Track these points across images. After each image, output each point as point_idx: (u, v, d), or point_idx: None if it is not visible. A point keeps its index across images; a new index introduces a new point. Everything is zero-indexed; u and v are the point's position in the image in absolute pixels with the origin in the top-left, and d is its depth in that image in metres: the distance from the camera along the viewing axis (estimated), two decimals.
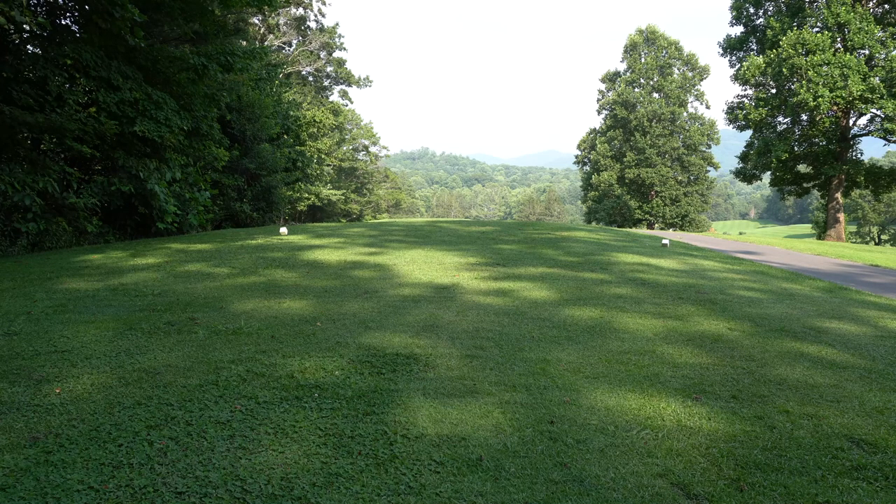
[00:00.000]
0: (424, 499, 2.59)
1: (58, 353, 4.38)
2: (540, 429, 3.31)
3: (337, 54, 46.55)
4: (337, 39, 44.21)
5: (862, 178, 32.60)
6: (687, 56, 56.24)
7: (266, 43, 37.87)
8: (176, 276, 7.60)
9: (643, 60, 56.51)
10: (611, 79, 59.18)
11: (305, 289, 6.98)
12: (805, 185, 36.14)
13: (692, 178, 56.74)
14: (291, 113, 28.12)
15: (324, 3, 44.92)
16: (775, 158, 32.59)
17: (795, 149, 33.82)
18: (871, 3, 31.03)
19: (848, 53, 29.29)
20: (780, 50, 30.54)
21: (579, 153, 62.65)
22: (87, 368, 4.07)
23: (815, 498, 2.69)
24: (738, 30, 44.40)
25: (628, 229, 29.01)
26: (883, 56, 29.35)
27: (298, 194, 35.04)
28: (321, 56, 45.03)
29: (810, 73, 28.86)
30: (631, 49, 57.11)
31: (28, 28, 11.18)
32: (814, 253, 16.32)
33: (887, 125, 29.23)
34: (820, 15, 30.83)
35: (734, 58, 36.89)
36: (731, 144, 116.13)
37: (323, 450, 2.98)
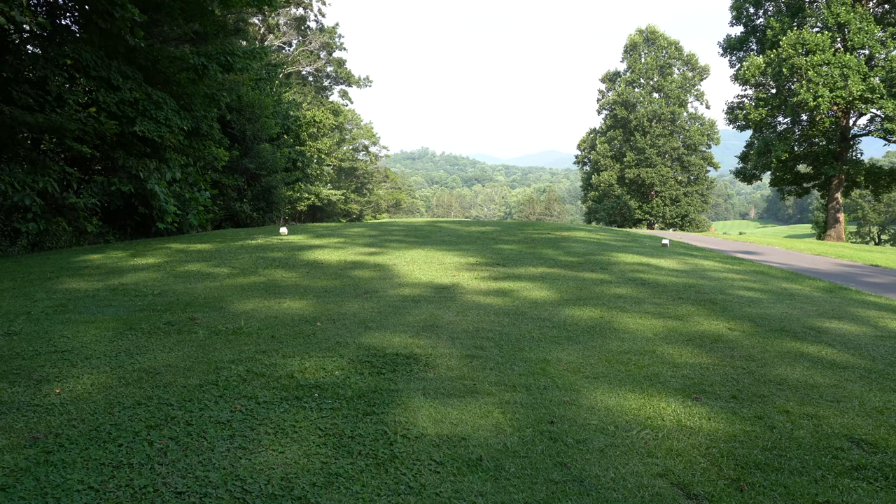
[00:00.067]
0: (424, 499, 2.59)
1: (58, 353, 4.38)
2: (540, 429, 3.31)
3: (337, 54, 46.60)
4: (337, 39, 44.22)
5: (862, 178, 32.61)
6: (687, 56, 56.25)
7: (266, 43, 37.87)
8: (176, 276, 7.60)
9: (643, 60, 56.52)
10: (611, 79, 59.18)
11: (305, 289, 6.98)
12: (805, 185, 36.15)
13: (692, 178, 56.75)
14: (291, 113, 28.12)
15: (324, 3, 44.94)
16: (775, 158, 32.59)
17: (795, 149, 33.82)
18: (871, 3, 31.03)
19: (848, 53, 29.30)
20: (780, 50, 30.54)
21: (579, 153, 62.66)
22: (87, 368, 4.07)
23: (815, 498, 2.69)
24: (738, 30, 44.41)
25: (628, 229, 29.01)
26: (883, 56, 29.35)
27: (298, 194, 35.04)
28: (321, 56, 45.04)
29: (810, 73, 28.86)
30: (631, 49, 57.12)
31: (28, 28, 11.18)
32: (814, 253, 16.32)
33: (887, 125, 29.23)
34: (820, 15, 30.83)
35: (734, 58, 36.89)
36: (731, 144, 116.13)
37: (323, 450, 2.98)
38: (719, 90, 59.43)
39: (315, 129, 39.52)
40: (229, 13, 18.70)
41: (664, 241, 14.20)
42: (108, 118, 11.61)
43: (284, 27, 41.09)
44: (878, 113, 30.19)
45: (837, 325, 6.02)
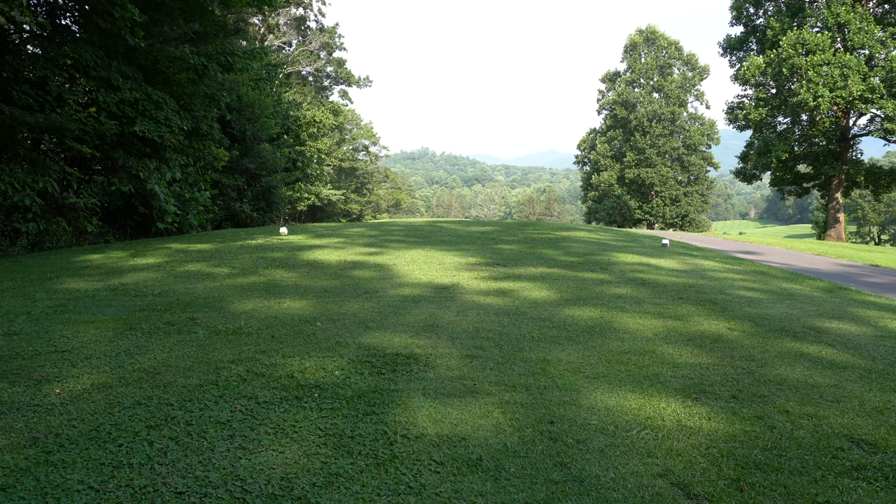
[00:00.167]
0: (424, 499, 2.59)
1: (58, 353, 4.38)
2: (540, 429, 3.31)
3: (337, 54, 46.60)
4: (337, 39, 44.22)
5: (862, 178, 32.61)
6: (687, 56, 56.25)
7: (266, 43, 37.87)
8: (176, 276, 7.60)
9: (643, 60, 56.52)
10: (611, 79, 59.19)
11: (305, 289, 6.98)
12: (805, 185, 36.15)
13: (692, 178, 56.75)
14: (291, 113, 28.12)
15: (324, 3, 44.92)
16: (775, 158, 32.59)
17: (795, 149, 33.82)
18: (871, 3, 31.03)
19: (848, 53, 29.30)
20: (780, 50, 30.55)
21: (579, 153, 62.66)
22: (87, 368, 4.07)
23: (815, 498, 2.69)
24: (738, 30, 44.44)
25: (628, 229, 29.01)
26: (883, 56, 29.36)
27: (298, 194, 35.05)
28: (321, 56, 45.04)
29: (810, 73, 28.87)
30: (631, 49, 57.12)
31: (28, 28, 11.18)
32: (814, 253, 16.32)
33: (887, 125, 29.24)
34: (820, 15, 30.83)
35: (734, 58, 36.89)
36: (731, 144, 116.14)
37: (323, 450, 2.98)
38: (719, 90, 59.50)
39: (315, 129, 39.52)
40: (229, 13, 18.71)
41: (664, 241, 14.20)
42: (108, 118, 11.61)
43: (284, 27, 41.09)
44: (878, 113, 30.19)
45: (837, 325, 6.02)
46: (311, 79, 47.37)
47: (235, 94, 19.13)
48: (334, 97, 50.48)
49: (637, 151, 55.18)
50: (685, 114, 56.32)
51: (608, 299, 6.87)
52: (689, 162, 55.66)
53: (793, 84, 31.10)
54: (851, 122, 32.33)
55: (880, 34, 29.22)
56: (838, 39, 30.25)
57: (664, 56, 56.13)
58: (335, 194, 46.70)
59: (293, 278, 7.63)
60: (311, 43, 43.15)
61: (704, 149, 56.63)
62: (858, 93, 28.13)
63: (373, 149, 62.08)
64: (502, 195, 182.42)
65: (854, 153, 32.93)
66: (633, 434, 3.28)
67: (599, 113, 60.49)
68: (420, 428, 3.26)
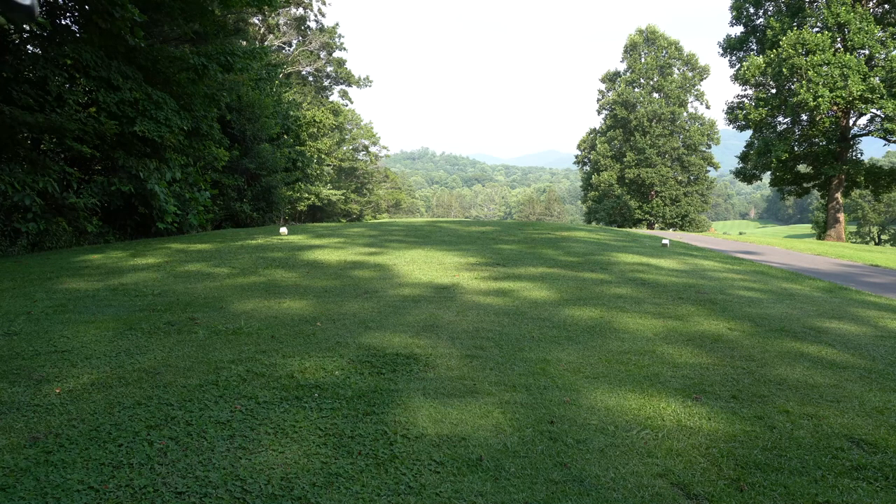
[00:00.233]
0: (424, 499, 2.59)
1: (58, 353, 4.38)
2: (540, 429, 3.31)
3: (337, 54, 46.61)
4: (337, 39, 44.23)
5: (862, 178, 32.62)
6: (687, 56, 56.26)
7: (266, 43, 37.87)
8: (176, 276, 7.60)
9: (643, 60, 56.53)
10: (611, 79, 59.20)
11: (305, 289, 6.98)
12: (805, 185, 36.16)
13: (692, 178, 56.77)
14: (291, 113, 28.13)
15: (324, 3, 44.93)
16: (775, 158, 32.60)
17: (795, 149, 33.83)
18: (871, 3, 31.03)
19: (848, 53, 29.30)
20: (780, 50, 30.55)
21: (579, 153, 62.69)
22: (87, 368, 4.07)
23: (815, 498, 2.69)
24: (738, 30, 44.48)
25: (628, 229, 29.01)
26: (883, 56, 29.36)
27: (298, 194, 35.05)
28: (321, 56, 45.04)
29: (810, 73, 28.87)
30: (631, 49, 57.14)
31: (28, 28, 11.18)
32: (814, 253, 16.32)
33: (887, 125, 29.24)
34: (820, 15, 30.84)
35: (734, 58, 36.91)
36: (731, 144, 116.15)
37: (323, 450, 2.98)
38: (719, 90, 59.49)
39: (315, 129, 39.52)
40: (229, 13, 18.71)
41: (664, 241, 14.20)
42: (108, 118, 11.61)
43: (284, 27, 41.09)
44: (878, 113, 30.20)
45: (837, 325, 6.02)
46: (311, 79, 47.38)
47: (235, 94, 19.13)
48: (334, 97, 50.54)
49: (637, 151, 55.20)
50: (685, 114, 56.34)
51: (608, 299, 6.87)
52: (689, 162, 55.68)
53: (793, 84, 31.10)
54: (851, 122, 32.34)
55: (880, 34, 29.23)
56: (838, 39, 30.25)
57: (664, 56, 56.15)
58: (335, 194, 46.70)
59: (293, 278, 7.63)
60: (311, 43, 43.15)
61: (704, 149, 56.65)
62: (858, 93, 28.13)
63: (373, 149, 62.11)
64: (502, 195, 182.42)
65: (854, 153, 32.95)
66: (633, 434, 3.28)
67: (599, 113, 60.53)
68: (420, 428, 3.26)
